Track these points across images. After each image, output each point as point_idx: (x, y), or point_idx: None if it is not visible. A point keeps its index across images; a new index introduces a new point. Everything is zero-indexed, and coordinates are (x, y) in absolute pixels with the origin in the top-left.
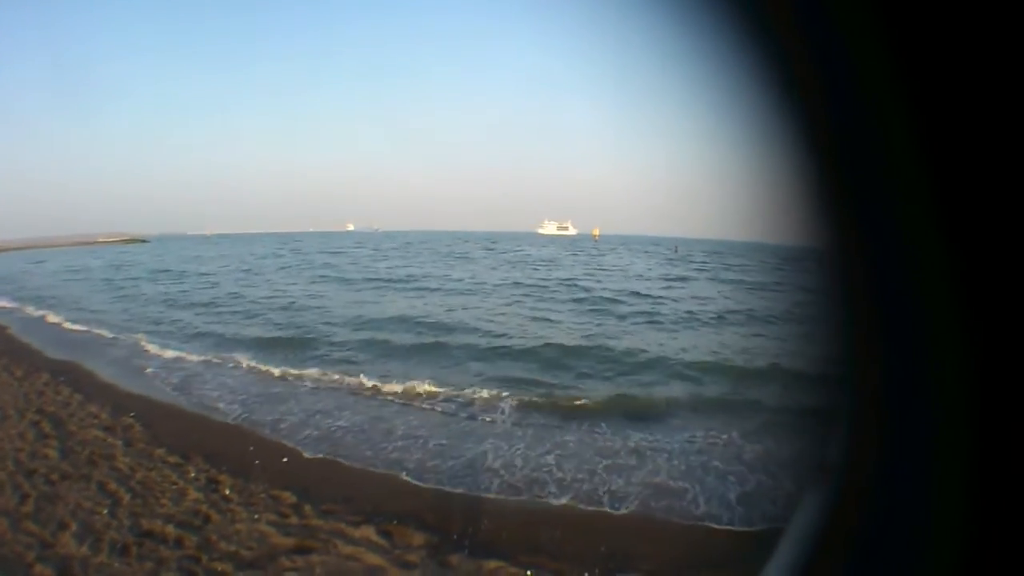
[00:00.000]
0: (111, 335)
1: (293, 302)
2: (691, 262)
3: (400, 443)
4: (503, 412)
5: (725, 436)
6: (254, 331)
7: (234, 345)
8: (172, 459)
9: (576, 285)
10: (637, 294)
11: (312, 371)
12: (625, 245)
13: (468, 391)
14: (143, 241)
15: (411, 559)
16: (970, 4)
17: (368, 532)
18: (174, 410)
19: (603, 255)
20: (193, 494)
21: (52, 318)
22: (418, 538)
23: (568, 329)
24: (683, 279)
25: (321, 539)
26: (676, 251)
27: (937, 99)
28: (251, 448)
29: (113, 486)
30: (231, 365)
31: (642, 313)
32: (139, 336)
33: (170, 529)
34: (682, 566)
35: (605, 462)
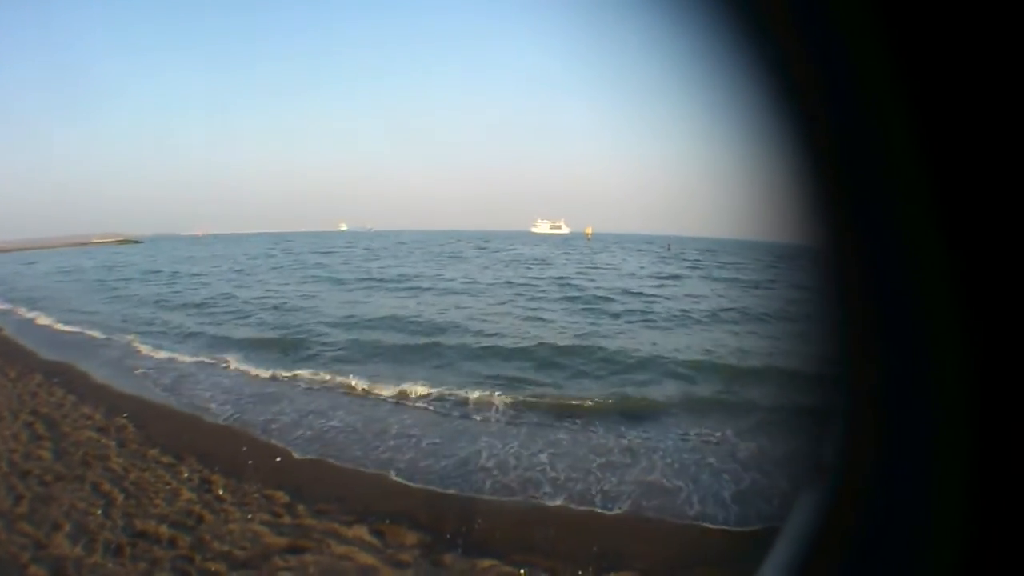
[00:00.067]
0: (103, 336)
1: (285, 302)
2: (684, 260)
3: (393, 443)
4: (496, 411)
5: (719, 435)
6: (246, 332)
7: (226, 346)
8: (165, 459)
9: (569, 284)
10: (630, 292)
11: (304, 371)
12: (618, 243)
13: (461, 391)
14: (136, 242)
15: (404, 558)
16: (970, 4)
17: (361, 532)
18: (167, 411)
19: (596, 253)
20: (186, 494)
21: (44, 319)
22: (411, 537)
23: (561, 328)
24: (676, 277)
25: (314, 539)
26: (668, 249)
27: (937, 99)
28: (244, 448)
29: (107, 487)
30: (223, 366)
31: (635, 312)
32: (131, 337)
33: (164, 529)
34: (676, 565)
35: (599, 461)
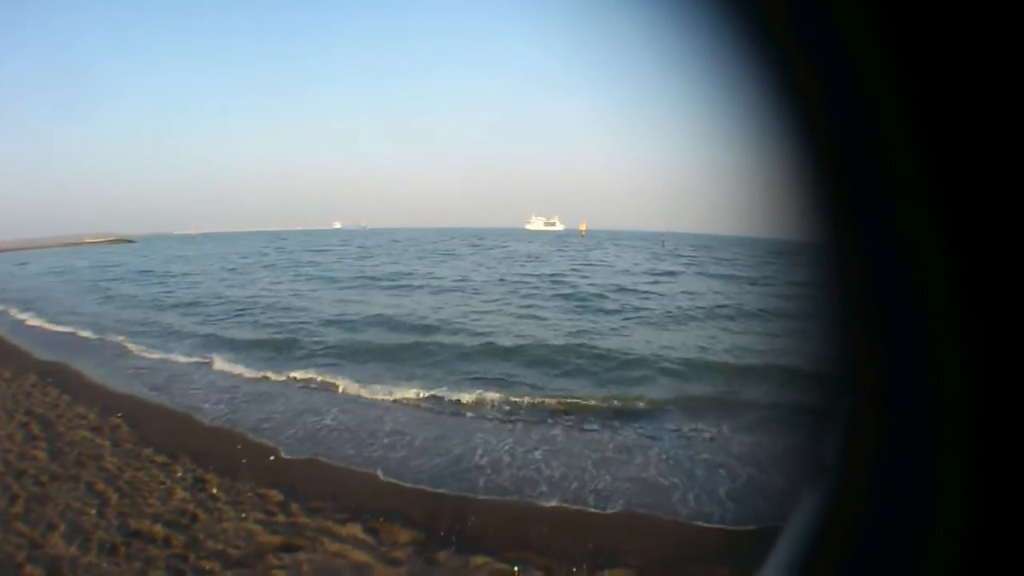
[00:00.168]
0: (96, 336)
1: (277, 301)
2: (679, 256)
3: (386, 441)
4: (489, 410)
5: (714, 432)
6: (238, 332)
7: (219, 345)
8: (159, 459)
9: (563, 281)
10: (624, 289)
11: (297, 371)
12: (612, 240)
13: (454, 390)
14: (129, 241)
15: (398, 556)
16: (970, 4)
17: (354, 530)
18: (161, 410)
19: (590, 250)
20: (180, 493)
21: (37, 320)
22: (404, 535)
23: (555, 326)
24: (671, 273)
25: (308, 537)
26: (663, 245)
27: (937, 99)
28: (238, 447)
29: (101, 486)
30: (216, 366)
31: (629, 309)
32: (124, 338)
33: (158, 528)
34: (671, 562)
35: (593, 459)
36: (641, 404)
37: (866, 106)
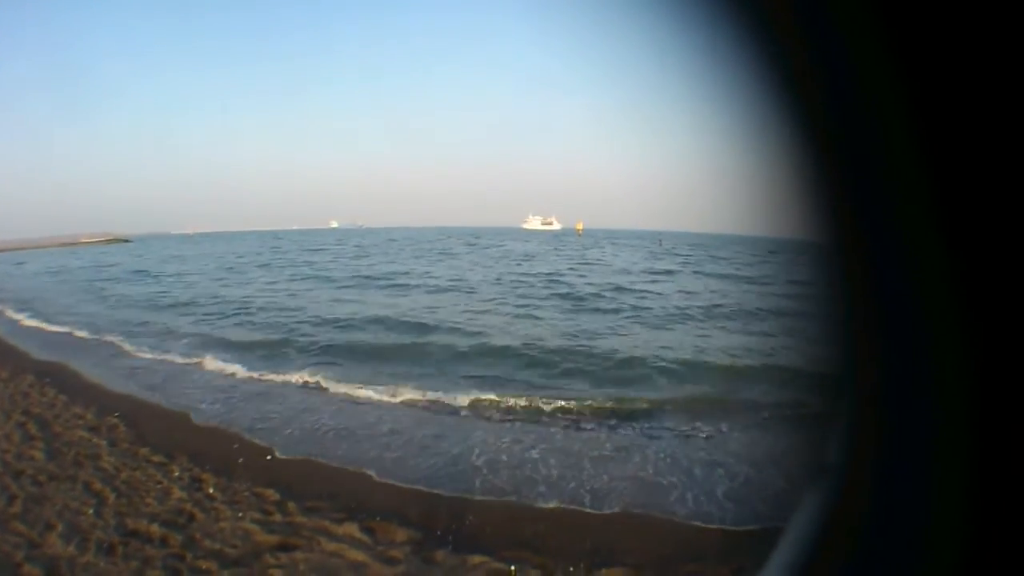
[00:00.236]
0: (92, 336)
1: (272, 302)
2: (676, 255)
3: (383, 441)
4: (486, 410)
5: (712, 432)
6: (234, 332)
7: (214, 345)
8: (156, 458)
9: (560, 281)
10: (621, 289)
11: (293, 371)
12: (609, 239)
13: (451, 390)
14: (126, 241)
15: (394, 555)
16: (970, 4)
17: (351, 529)
18: (157, 410)
19: (587, 249)
20: (177, 493)
21: (33, 320)
22: (401, 534)
23: (551, 326)
24: (668, 273)
25: (305, 536)
26: (660, 244)
27: (937, 100)
28: (234, 447)
29: (99, 486)
30: (211, 366)
31: (627, 309)
32: (119, 338)
33: (155, 528)
34: (668, 561)
35: (590, 458)
36: (638, 404)
37: (866, 107)
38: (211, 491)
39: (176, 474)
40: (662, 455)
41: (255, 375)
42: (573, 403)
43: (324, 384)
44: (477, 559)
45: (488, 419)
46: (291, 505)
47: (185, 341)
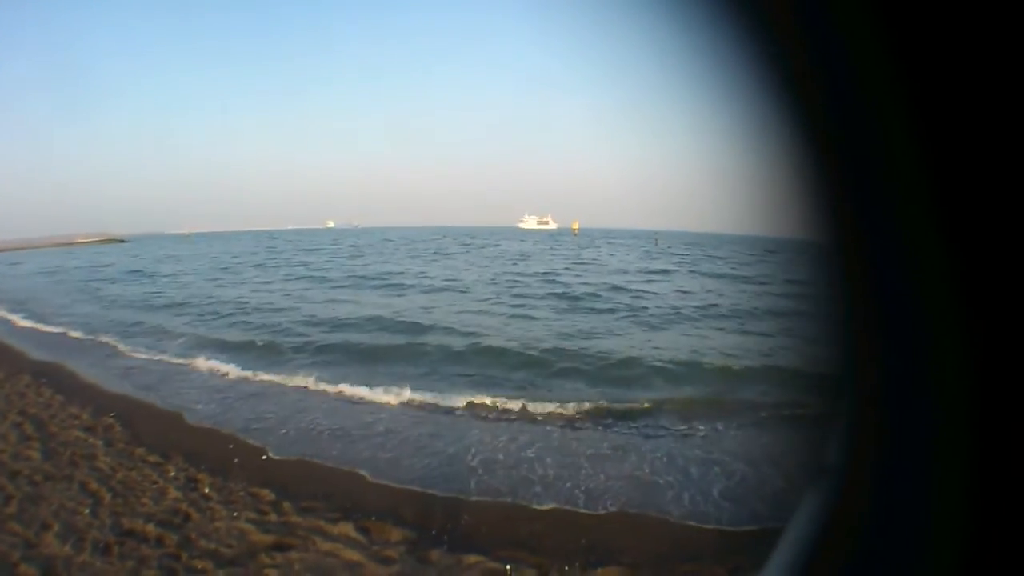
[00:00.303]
0: (87, 337)
1: (267, 302)
2: (673, 254)
3: (378, 441)
4: (482, 410)
5: (710, 433)
6: (229, 332)
7: (209, 346)
8: (152, 458)
9: (555, 280)
10: (617, 288)
11: (288, 371)
12: (605, 238)
13: (446, 390)
14: (121, 241)
15: (389, 555)
16: (970, 4)
17: (346, 528)
18: (153, 410)
19: (583, 249)
20: (173, 493)
21: (29, 321)
22: (396, 534)
23: (547, 326)
24: (664, 272)
25: (300, 536)
26: (656, 244)
27: (937, 100)
28: (230, 447)
29: (95, 486)
30: (206, 366)
31: (623, 308)
32: (114, 338)
33: (151, 528)
34: (664, 560)
35: (586, 458)
36: (635, 404)
37: (867, 107)
38: (207, 491)
39: (172, 474)
40: (658, 454)
41: (250, 375)
42: (569, 403)
43: (319, 384)
44: (472, 558)
45: (483, 419)
46: (286, 505)
47: (180, 341)
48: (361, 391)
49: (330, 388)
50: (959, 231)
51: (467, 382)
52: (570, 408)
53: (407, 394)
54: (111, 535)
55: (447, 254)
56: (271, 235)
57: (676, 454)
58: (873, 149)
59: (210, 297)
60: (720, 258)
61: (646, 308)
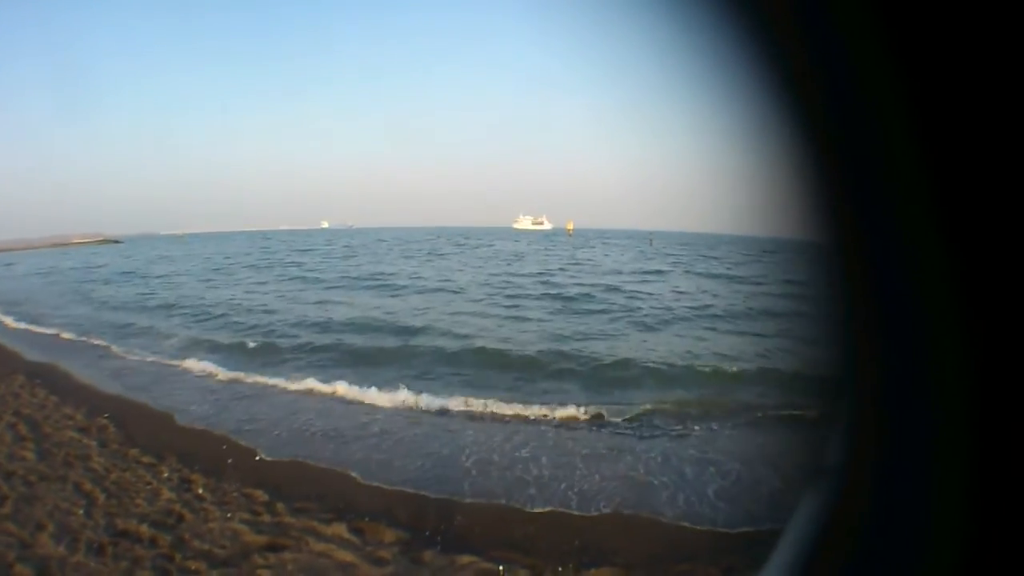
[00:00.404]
0: (80, 338)
1: (259, 304)
2: (668, 255)
3: (371, 442)
4: (476, 412)
5: (705, 434)
6: (221, 334)
7: (203, 347)
8: (146, 459)
9: (550, 281)
10: (612, 289)
11: (281, 373)
12: (599, 238)
13: (439, 392)
14: (116, 242)
15: (383, 555)
16: (970, 4)
17: (340, 529)
18: (147, 411)
19: (578, 249)
20: (167, 494)
21: (22, 322)
22: (389, 535)
23: (541, 327)
24: (659, 272)
25: (293, 536)
26: (651, 244)
27: (937, 100)
28: (223, 448)
29: (89, 487)
30: (200, 367)
31: (617, 309)
32: (108, 339)
33: (145, 528)
34: (658, 560)
35: (580, 460)
36: (629, 405)
37: (867, 107)
38: (200, 492)
39: (165, 475)
40: (653, 455)
41: (243, 376)
42: (563, 405)
43: (312, 386)
44: (465, 559)
45: (477, 420)
46: (280, 506)
47: (174, 343)
48: (354, 392)
49: (323, 389)
50: (959, 231)
51: (461, 383)
52: (564, 409)
53: (400, 395)
54: (105, 536)
55: (441, 255)
56: (265, 235)
57: (671, 455)
58: (873, 149)
59: (202, 298)
60: (715, 258)
61: (640, 309)
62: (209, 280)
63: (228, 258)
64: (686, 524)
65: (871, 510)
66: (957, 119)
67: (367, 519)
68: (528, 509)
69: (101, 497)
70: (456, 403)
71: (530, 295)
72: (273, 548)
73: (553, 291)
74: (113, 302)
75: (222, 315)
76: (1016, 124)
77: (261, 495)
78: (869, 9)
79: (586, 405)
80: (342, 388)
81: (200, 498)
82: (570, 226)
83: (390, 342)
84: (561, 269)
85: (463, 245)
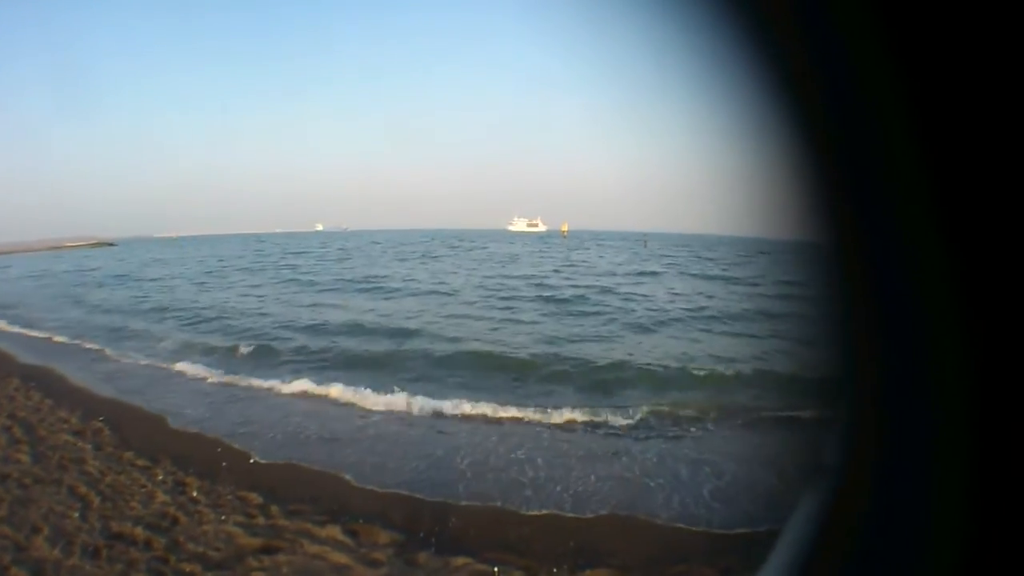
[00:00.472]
0: (74, 341)
1: (252, 307)
2: (663, 256)
3: (366, 445)
4: (470, 415)
5: (701, 435)
6: (215, 337)
7: (196, 350)
8: (140, 462)
9: (544, 284)
10: (606, 291)
11: (274, 376)
12: (594, 240)
13: (433, 395)
14: (110, 245)
15: (377, 557)
16: (970, 4)
17: (334, 531)
18: (141, 414)
19: (572, 251)
20: (161, 496)
21: (15, 326)
22: (384, 536)
23: (535, 330)
24: (654, 274)
25: (287, 539)
26: (645, 245)
27: (937, 100)
28: (217, 451)
29: (83, 490)
30: (194, 371)
31: (612, 311)
32: (102, 342)
33: (139, 531)
34: (653, 562)
35: (575, 462)
36: (624, 407)
37: (866, 107)
38: (194, 494)
39: (160, 478)
40: (648, 456)
41: (237, 379)
42: (558, 407)
43: (306, 388)
44: (460, 561)
45: (471, 423)
46: (274, 508)
47: (168, 345)
48: (348, 395)
49: (317, 392)
50: (959, 231)
51: (455, 386)
52: (559, 412)
53: (395, 398)
54: (100, 538)
55: (435, 257)
56: (259, 238)
57: (666, 456)
58: (873, 149)
59: (196, 301)
60: (710, 259)
61: (635, 311)
62: (203, 283)
63: (222, 261)
64: (682, 525)
65: (870, 510)
66: (957, 119)
67: (361, 521)
68: (523, 511)
69: (96, 500)
70: (450, 406)
71: (524, 297)
72: (267, 550)
73: (547, 293)
74: (106, 305)
75: (216, 318)
76: (1016, 124)
77: (255, 498)
78: (869, 9)
79: (581, 407)
80: (336, 391)
81: (194, 501)
82: (564, 228)
83: (384, 345)
84: (555, 271)
85: (457, 247)
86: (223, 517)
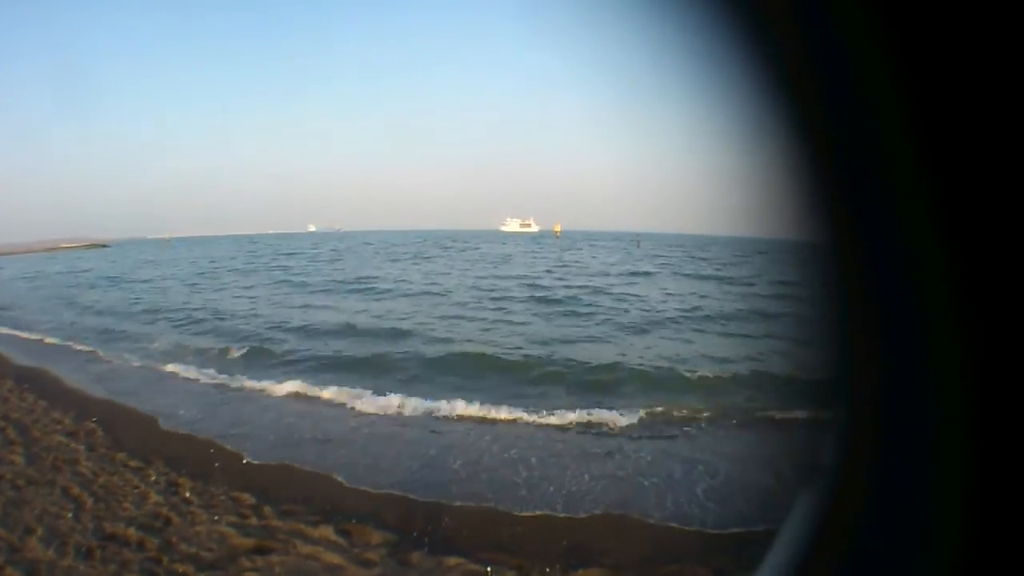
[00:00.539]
0: (67, 343)
1: (246, 308)
2: (656, 256)
3: (359, 446)
4: (463, 415)
5: (695, 436)
6: (206, 338)
7: (189, 352)
8: (133, 463)
9: (537, 284)
10: (599, 291)
11: (267, 376)
12: (587, 240)
13: (425, 396)
14: (103, 246)
15: (370, 557)
16: (970, 4)
17: (327, 532)
18: (134, 415)
19: (565, 251)
20: (154, 497)
21: (7, 328)
22: (377, 537)
23: (527, 331)
24: (646, 274)
25: (280, 539)
26: (639, 246)
27: (937, 100)
28: (210, 452)
29: (77, 490)
30: (186, 372)
31: (604, 311)
32: (94, 344)
33: (132, 532)
34: (646, 561)
35: (568, 462)
36: (617, 408)
37: (866, 107)
38: (187, 495)
39: (153, 478)
40: (643, 456)
41: (229, 381)
42: (551, 408)
43: (298, 389)
44: (453, 561)
45: (464, 424)
46: (267, 509)
47: (160, 347)
48: (341, 396)
49: (309, 393)
50: (959, 231)
51: (448, 387)
52: (552, 412)
53: (387, 399)
54: (93, 539)
55: (427, 258)
56: (251, 239)
57: (660, 457)
58: (873, 149)
59: (188, 303)
60: (704, 259)
61: (628, 311)
62: (195, 284)
63: (214, 262)
64: (675, 525)
65: (869, 510)
66: (957, 119)
67: (354, 521)
68: (516, 511)
69: (89, 501)
70: (443, 407)
71: (517, 298)
72: (260, 551)
73: (540, 294)
74: (99, 307)
75: (208, 319)
76: (1016, 124)
77: (248, 498)
78: (869, 9)
79: (574, 408)
80: (328, 392)
81: (187, 501)
82: (557, 228)
83: (377, 346)
84: (548, 271)
85: (450, 248)
86: (216, 518)
